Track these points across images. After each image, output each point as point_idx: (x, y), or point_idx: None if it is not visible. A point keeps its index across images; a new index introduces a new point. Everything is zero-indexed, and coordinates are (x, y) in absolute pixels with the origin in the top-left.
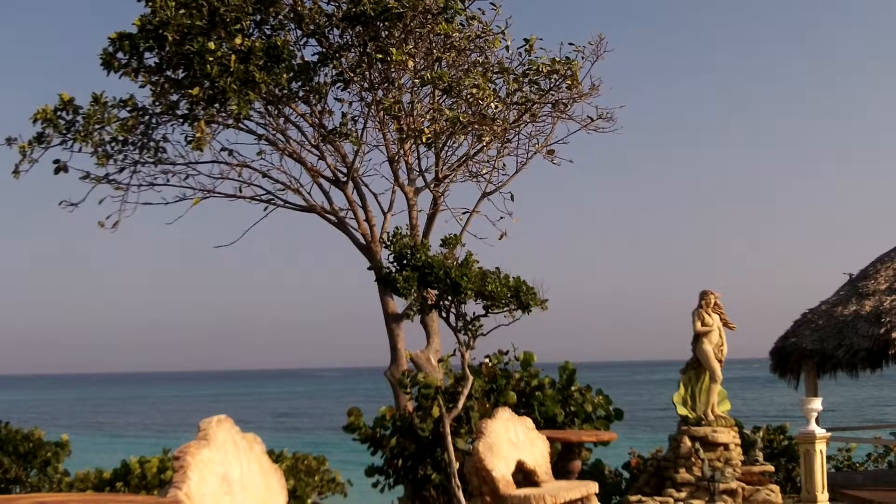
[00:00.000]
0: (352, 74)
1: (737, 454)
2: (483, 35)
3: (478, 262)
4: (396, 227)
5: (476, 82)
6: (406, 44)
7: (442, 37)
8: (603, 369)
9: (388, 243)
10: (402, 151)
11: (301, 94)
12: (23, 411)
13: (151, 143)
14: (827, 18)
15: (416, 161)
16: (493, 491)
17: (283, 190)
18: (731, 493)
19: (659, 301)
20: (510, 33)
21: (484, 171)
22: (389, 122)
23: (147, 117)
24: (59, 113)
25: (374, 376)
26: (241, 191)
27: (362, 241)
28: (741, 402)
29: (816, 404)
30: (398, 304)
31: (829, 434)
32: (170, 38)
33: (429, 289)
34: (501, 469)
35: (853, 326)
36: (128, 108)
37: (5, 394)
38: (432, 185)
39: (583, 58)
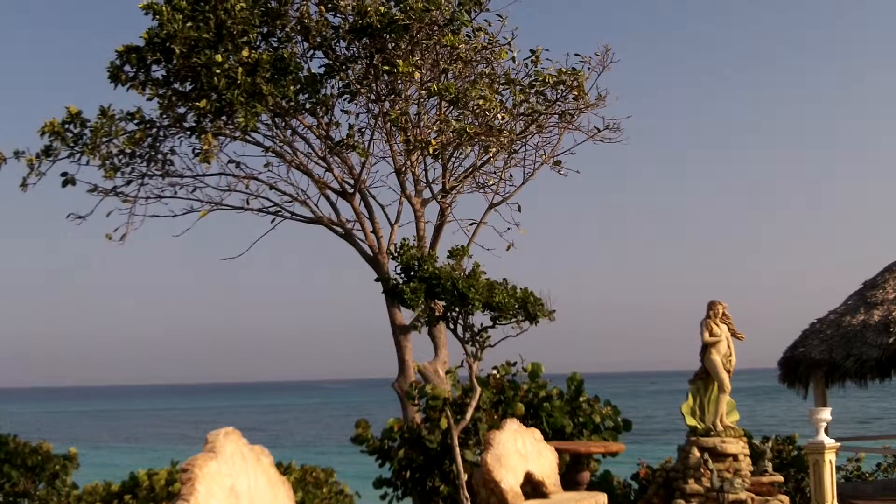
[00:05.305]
0: (358, 86)
1: (746, 465)
2: (489, 46)
3: (485, 273)
4: (404, 239)
5: (482, 93)
6: (412, 55)
7: (448, 48)
8: (613, 380)
9: (396, 255)
10: (409, 163)
11: (308, 106)
12: (23, 424)
13: (159, 156)
14: (828, 20)
15: (423, 172)
16: (502, 502)
17: (290, 202)
18: (741, 503)
19: (668, 311)
20: (516, 44)
21: (491, 182)
22: (396, 134)
23: (154, 130)
24: (66, 126)
25: (380, 388)
26: (248, 203)
27: (370, 252)
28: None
29: (825, 414)
30: (406, 315)
31: (839, 444)
32: (177, 51)
33: (436, 300)
34: (510, 480)
35: (861, 336)
36: (135, 121)
37: (4, 406)
38: (439, 197)
39: (589, 69)
